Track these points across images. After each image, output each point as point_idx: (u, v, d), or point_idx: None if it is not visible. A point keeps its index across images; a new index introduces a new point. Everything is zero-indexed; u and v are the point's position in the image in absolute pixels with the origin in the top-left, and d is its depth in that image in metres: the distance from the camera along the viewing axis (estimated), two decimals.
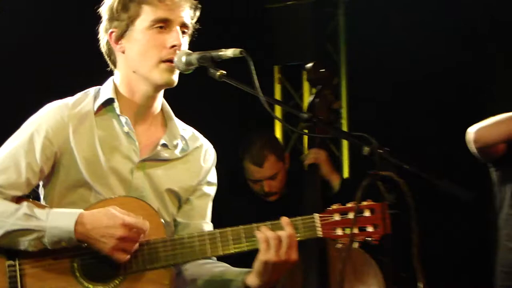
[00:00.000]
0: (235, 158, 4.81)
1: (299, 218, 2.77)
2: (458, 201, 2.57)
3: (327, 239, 2.81)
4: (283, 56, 6.53)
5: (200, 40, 2.89)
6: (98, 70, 2.94)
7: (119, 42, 2.81)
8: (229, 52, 2.67)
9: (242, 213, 3.16)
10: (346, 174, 6.55)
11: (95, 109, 2.83)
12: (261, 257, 2.70)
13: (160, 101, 2.89)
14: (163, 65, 2.76)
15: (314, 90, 4.09)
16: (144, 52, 2.77)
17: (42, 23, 5.03)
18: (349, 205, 2.78)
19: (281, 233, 2.70)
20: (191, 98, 2.98)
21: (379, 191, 2.40)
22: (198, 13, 2.86)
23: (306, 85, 6.53)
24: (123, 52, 2.82)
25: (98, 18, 2.87)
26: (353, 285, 4.14)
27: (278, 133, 6.60)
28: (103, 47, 2.88)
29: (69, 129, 2.78)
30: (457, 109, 5.71)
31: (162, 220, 2.81)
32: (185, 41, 2.80)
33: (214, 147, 3.02)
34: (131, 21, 2.78)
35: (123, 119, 2.83)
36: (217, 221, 3.01)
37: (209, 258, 2.88)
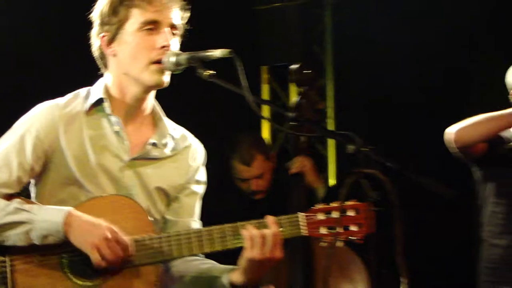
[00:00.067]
0: (222, 157, 4.81)
1: (284, 216, 2.77)
2: (441, 198, 2.58)
3: (312, 237, 2.81)
4: (270, 57, 6.54)
5: (189, 40, 2.88)
6: (93, 71, 2.93)
7: (110, 45, 2.81)
8: (218, 53, 2.67)
9: (230, 211, 3.16)
10: (332, 172, 6.57)
11: (86, 109, 2.83)
12: (246, 254, 2.71)
13: (151, 102, 2.89)
14: (153, 67, 2.76)
15: (301, 90, 4.10)
16: (134, 54, 2.77)
17: (39, 23, 5.02)
18: (333, 204, 2.79)
19: (266, 231, 2.70)
20: (180, 98, 2.98)
21: (363, 188, 2.41)
22: (187, 15, 2.86)
23: (293, 86, 6.53)
24: (115, 56, 2.82)
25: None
26: (339, 282, 4.15)
27: (265, 133, 6.61)
28: (96, 52, 2.88)
29: (60, 129, 2.78)
30: (442, 109, 5.73)
31: (150, 218, 2.81)
32: (175, 42, 2.80)
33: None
34: (121, 24, 2.78)
35: (113, 118, 2.82)
36: (206, 219, 3.01)
37: (196, 255, 2.89)
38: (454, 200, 2.53)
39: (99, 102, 2.83)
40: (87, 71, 2.92)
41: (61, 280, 2.73)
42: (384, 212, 2.42)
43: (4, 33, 4.87)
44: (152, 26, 2.76)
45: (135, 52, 2.76)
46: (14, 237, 2.69)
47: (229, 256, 2.84)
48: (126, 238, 2.69)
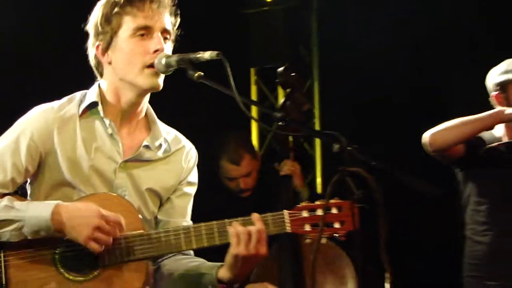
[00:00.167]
0: (210, 157, 4.80)
1: (269, 214, 2.78)
2: (424, 196, 2.59)
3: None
4: (258, 59, 6.54)
5: (180, 43, 2.88)
6: (92, 72, 2.94)
7: (106, 53, 2.82)
8: (207, 55, 2.67)
9: (218, 209, 3.16)
10: (318, 170, 6.58)
11: (80, 112, 2.84)
12: (232, 250, 2.72)
13: (145, 106, 2.90)
14: (148, 71, 2.76)
15: (288, 91, 4.11)
16: (129, 60, 2.77)
17: (38, 24, 5.00)
18: (317, 202, 2.81)
19: (251, 228, 2.71)
20: (170, 98, 2.97)
21: (348, 186, 2.41)
22: (178, 20, 2.86)
23: (280, 87, 6.53)
24: (110, 63, 2.82)
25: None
26: (326, 277, 4.15)
27: (254, 133, 6.60)
28: (92, 61, 2.89)
29: (54, 131, 2.79)
30: (426, 108, 5.76)
31: (140, 216, 2.81)
32: (168, 46, 2.81)
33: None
34: (114, 32, 2.79)
35: (107, 121, 2.83)
36: (195, 216, 3.00)
37: (186, 254, 2.91)
38: (437, 198, 2.53)
39: (93, 105, 2.84)
40: (87, 72, 2.92)
41: (53, 274, 2.74)
42: (369, 209, 2.42)
43: (4, 33, 4.84)
44: (144, 31, 2.77)
45: (130, 58, 2.77)
46: (7, 234, 2.70)
47: (219, 253, 2.84)
48: (114, 215, 2.68)
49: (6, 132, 2.83)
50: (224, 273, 2.76)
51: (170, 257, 2.92)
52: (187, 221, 2.96)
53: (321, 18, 6.58)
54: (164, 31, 2.80)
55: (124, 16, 2.77)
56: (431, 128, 4.15)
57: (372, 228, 2.38)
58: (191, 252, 2.93)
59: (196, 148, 3.03)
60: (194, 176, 3.00)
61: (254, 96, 6.68)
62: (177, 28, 2.87)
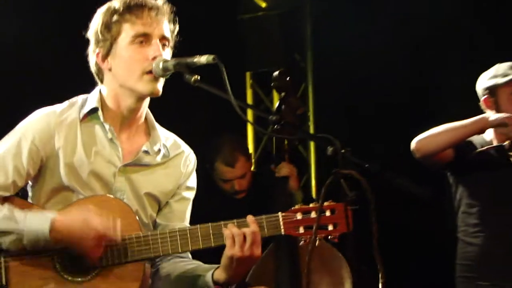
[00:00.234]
0: (205, 159, 4.80)
1: (264, 216, 2.78)
2: (416, 198, 2.59)
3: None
4: (254, 63, 6.54)
5: (177, 48, 2.88)
6: (89, 76, 2.94)
7: (106, 60, 2.82)
8: (203, 59, 2.67)
9: (214, 211, 3.16)
10: (313, 172, 6.58)
11: (81, 117, 2.84)
12: (227, 252, 2.72)
13: (144, 111, 2.90)
14: (147, 77, 2.76)
15: (282, 95, 4.11)
16: (128, 66, 2.77)
17: (40, 25, 4.98)
18: (311, 205, 2.81)
19: (245, 230, 2.71)
20: (168, 102, 2.97)
21: (342, 188, 2.41)
22: (176, 27, 2.87)
23: (275, 91, 6.53)
24: (110, 70, 2.82)
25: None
26: (323, 277, 4.15)
27: (249, 135, 6.60)
28: (93, 68, 2.89)
29: (55, 135, 2.79)
30: (418, 111, 5.78)
31: (137, 217, 2.81)
32: (166, 52, 2.81)
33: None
34: (114, 39, 2.79)
35: (106, 126, 2.83)
36: (192, 218, 3.00)
37: (184, 256, 2.91)
38: (428, 199, 2.54)
39: (94, 110, 2.84)
40: (87, 74, 2.93)
41: (52, 275, 2.74)
42: (362, 211, 2.42)
43: (5, 33, 4.82)
44: (143, 38, 2.77)
45: (129, 64, 2.77)
46: (7, 244, 2.70)
47: (217, 255, 2.84)
48: (111, 224, 2.68)
49: (7, 135, 2.83)
50: (219, 274, 2.76)
51: (168, 259, 2.92)
52: (186, 225, 2.95)
53: (315, 24, 6.59)
54: (163, 38, 2.80)
55: (123, 23, 2.77)
56: (423, 130, 4.16)
57: (365, 229, 2.38)
58: (189, 254, 2.94)
59: (193, 150, 3.02)
60: (192, 181, 3.00)
61: (249, 99, 6.67)
62: (176, 35, 2.87)
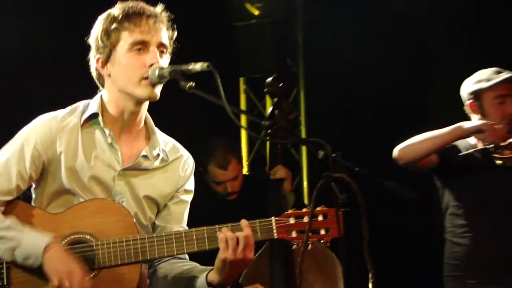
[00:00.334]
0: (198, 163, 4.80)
1: (258, 220, 2.78)
2: (404, 200, 2.59)
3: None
4: (247, 69, 6.55)
5: (173, 54, 2.89)
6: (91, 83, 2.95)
7: (105, 66, 2.83)
8: (198, 66, 2.68)
9: (207, 212, 3.16)
10: (305, 175, 6.59)
11: (82, 122, 2.85)
12: (220, 255, 2.72)
13: (143, 116, 2.90)
14: (145, 82, 2.76)
15: (275, 101, 4.12)
16: (126, 72, 2.78)
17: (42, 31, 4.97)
18: (304, 210, 2.81)
19: (239, 234, 2.71)
20: (164, 108, 2.97)
21: (333, 191, 2.41)
22: (174, 33, 2.87)
23: (268, 96, 6.53)
24: (110, 76, 2.83)
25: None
26: (317, 277, 4.14)
27: (243, 139, 6.60)
28: (93, 73, 2.89)
29: (57, 140, 2.81)
30: (408, 115, 5.79)
31: (135, 220, 2.81)
32: (164, 59, 2.82)
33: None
34: (113, 46, 2.79)
35: (106, 131, 2.84)
36: (187, 219, 3.00)
37: (181, 258, 2.91)
38: (416, 201, 2.53)
39: (94, 116, 2.85)
40: (89, 77, 2.93)
41: None
42: (352, 213, 2.42)
43: (7, 36, 4.81)
44: (141, 46, 2.77)
45: (127, 71, 2.77)
46: (1, 251, 2.72)
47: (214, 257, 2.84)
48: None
49: (11, 140, 2.85)
50: (213, 276, 2.77)
51: (165, 260, 2.92)
52: (183, 227, 2.96)
53: (306, 31, 6.60)
54: (160, 45, 2.80)
55: (122, 31, 2.78)
56: (414, 134, 4.18)
57: (356, 231, 2.38)
58: (186, 256, 2.94)
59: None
60: (190, 184, 3.01)
61: (243, 104, 6.68)
62: (174, 41, 2.88)
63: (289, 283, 4.10)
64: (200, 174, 4.78)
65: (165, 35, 2.83)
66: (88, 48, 2.89)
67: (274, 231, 2.78)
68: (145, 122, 2.92)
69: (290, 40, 6.65)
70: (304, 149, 6.57)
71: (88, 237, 2.76)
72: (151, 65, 2.75)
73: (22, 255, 2.70)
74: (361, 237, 2.35)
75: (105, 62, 2.82)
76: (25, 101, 4.64)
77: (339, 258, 4.02)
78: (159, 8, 2.86)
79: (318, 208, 2.77)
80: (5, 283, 2.73)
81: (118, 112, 2.84)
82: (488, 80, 4.21)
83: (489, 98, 4.21)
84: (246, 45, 6.46)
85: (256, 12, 6.46)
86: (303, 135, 6.50)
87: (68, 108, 2.89)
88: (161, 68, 2.74)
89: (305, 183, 6.58)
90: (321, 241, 2.77)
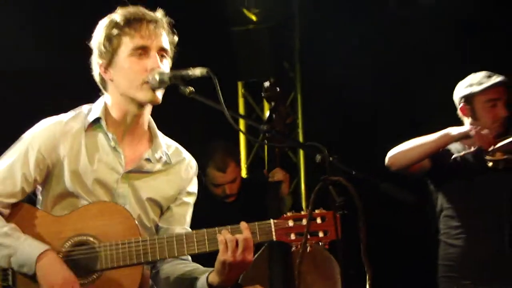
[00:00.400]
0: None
1: (257, 223, 2.78)
2: (400, 203, 2.58)
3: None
4: (245, 73, 6.55)
5: (173, 59, 2.88)
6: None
7: (107, 71, 2.83)
8: (197, 71, 2.69)
9: (206, 214, 3.16)
10: (302, 177, 6.58)
11: (86, 126, 2.85)
12: (220, 257, 2.72)
13: (146, 119, 2.90)
14: (146, 86, 2.77)
15: (272, 104, 4.12)
16: (128, 77, 2.78)
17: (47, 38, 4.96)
18: (303, 212, 2.81)
19: (238, 236, 2.71)
20: (165, 112, 2.98)
21: (330, 194, 2.41)
22: (176, 38, 2.88)
23: (266, 100, 6.53)
24: (112, 80, 2.83)
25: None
26: (316, 279, 4.14)
27: (242, 143, 6.60)
28: (96, 77, 2.90)
29: (60, 144, 2.81)
30: (404, 118, 5.79)
31: (137, 222, 2.82)
32: (165, 63, 2.82)
33: None
34: (114, 51, 2.80)
35: (110, 134, 2.84)
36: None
37: (184, 259, 2.91)
38: (412, 204, 2.53)
39: (98, 120, 2.85)
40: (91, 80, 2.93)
41: None
42: (350, 216, 2.41)
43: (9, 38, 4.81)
44: (142, 51, 2.78)
45: (129, 75, 2.78)
46: None
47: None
48: None
49: (15, 144, 2.86)
50: (213, 277, 2.77)
51: (168, 261, 2.92)
52: (186, 229, 2.96)
53: (303, 36, 6.62)
54: (161, 50, 2.81)
55: (123, 36, 2.78)
56: (409, 137, 4.19)
57: (353, 233, 2.38)
58: (189, 257, 2.93)
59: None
60: (193, 187, 3.01)
61: (241, 107, 6.68)
62: (175, 45, 2.88)
63: (288, 284, 4.10)
64: (199, 177, 4.78)
65: (166, 39, 2.83)
66: (89, 50, 2.89)
67: (273, 233, 2.78)
68: (149, 126, 2.92)
69: (287, 45, 6.66)
70: (301, 152, 6.57)
71: (91, 239, 2.77)
72: (152, 69, 2.75)
73: (17, 263, 2.71)
74: (359, 239, 2.35)
75: (107, 67, 2.82)
76: (26, 103, 4.63)
77: (337, 260, 4.01)
78: (160, 13, 2.86)
79: (317, 211, 2.77)
80: (10, 284, 2.73)
81: (121, 115, 2.84)
82: (480, 84, 4.22)
83: (480, 101, 4.22)
84: (244, 49, 6.46)
85: (254, 18, 6.47)
86: (301, 138, 6.50)
87: (72, 112, 2.90)
88: (162, 73, 2.75)
89: (302, 186, 6.57)
90: (320, 243, 2.76)
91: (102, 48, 2.81)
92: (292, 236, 2.78)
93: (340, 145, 3.60)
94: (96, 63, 2.86)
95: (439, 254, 4.33)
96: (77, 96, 2.99)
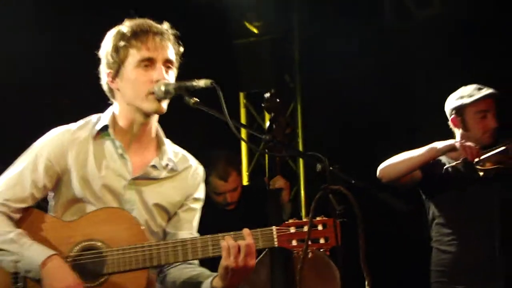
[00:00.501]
0: None
1: (259, 229, 2.78)
2: (396, 211, 2.59)
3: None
4: (247, 84, 6.56)
5: (179, 70, 2.90)
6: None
7: (115, 80, 2.85)
8: (201, 83, 2.71)
9: (208, 221, 3.16)
10: (302, 185, 6.58)
11: (94, 134, 2.87)
12: (223, 262, 2.73)
13: (153, 127, 2.91)
14: (151, 97, 2.78)
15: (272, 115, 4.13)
16: (134, 87, 2.80)
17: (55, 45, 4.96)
18: (304, 219, 2.81)
19: (240, 242, 2.72)
20: (170, 122, 2.98)
21: (330, 202, 2.41)
22: (181, 49, 2.89)
23: (266, 111, 6.53)
24: (119, 89, 2.85)
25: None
26: (316, 284, 4.13)
27: (243, 151, 6.61)
28: (104, 86, 2.91)
29: (69, 152, 2.83)
30: (402, 128, 5.79)
31: (143, 228, 2.83)
32: (171, 74, 2.84)
33: None
34: (122, 62, 2.82)
35: (117, 142, 2.86)
36: None
37: (191, 263, 2.91)
38: (406, 212, 2.54)
39: (106, 128, 2.87)
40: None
41: None
42: (349, 223, 2.41)
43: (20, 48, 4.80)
44: (148, 62, 2.79)
45: (135, 86, 2.80)
46: (5, 263, 2.75)
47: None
48: None
49: (25, 152, 2.88)
50: (217, 282, 2.78)
51: (175, 266, 2.92)
52: (193, 234, 2.97)
53: (303, 48, 6.63)
54: (167, 61, 2.82)
55: (130, 48, 2.80)
56: (408, 148, 4.20)
57: (353, 240, 2.38)
58: (196, 261, 2.94)
59: None
60: (200, 193, 3.02)
61: (243, 117, 6.69)
62: (181, 57, 2.90)
63: (289, 287, 4.09)
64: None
65: (171, 51, 2.84)
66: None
67: (275, 239, 2.79)
68: (156, 134, 2.93)
69: (287, 57, 6.68)
70: (301, 161, 6.57)
71: (99, 244, 2.78)
72: (158, 81, 2.77)
73: (24, 269, 2.72)
74: (358, 246, 2.35)
75: (115, 77, 2.84)
76: (26, 103, 4.61)
77: (337, 266, 4.01)
78: (166, 25, 2.88)
79: (318, 218, 2.77)
80: (22, 285, 2.74)
81: (128, 124, 2.86)
82: (470, 96, 4.24)
83: (471, 113, 4.24)
84: (246, 61, 6.48)
85: (256, 31, 6.49)
86: (300, 147, 6.51)
87: (81, 122, 2.92)
88: (167, 85, 2.76)
89: (302, 194, 6.57)
90: (321, 250, 2.76)
91: (110, 58, 2.83)
92: (294, 243, 2.78)
93: (339, 154, 3.60)
94: (104, 73, 2.88)
95: (432, 260, 4.34)
96: (77, 96, 3.00)
